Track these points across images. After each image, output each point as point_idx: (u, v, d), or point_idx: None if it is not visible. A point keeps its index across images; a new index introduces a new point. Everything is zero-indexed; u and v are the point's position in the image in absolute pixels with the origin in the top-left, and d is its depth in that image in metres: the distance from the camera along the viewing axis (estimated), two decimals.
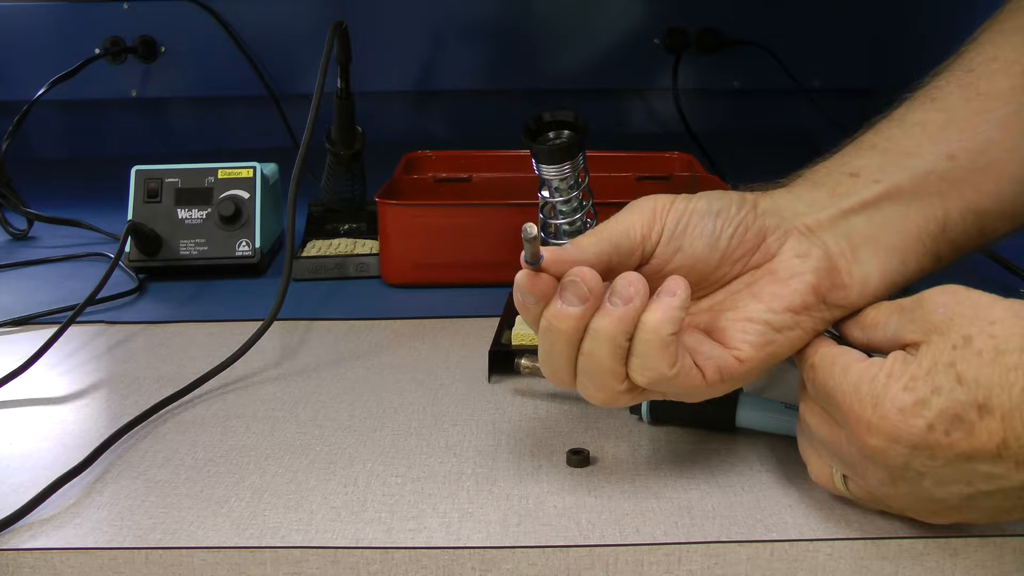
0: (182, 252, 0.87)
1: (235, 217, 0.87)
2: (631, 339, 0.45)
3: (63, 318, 0.70)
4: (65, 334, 0.68)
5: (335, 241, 0.92)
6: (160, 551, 0.45)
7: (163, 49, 1.38)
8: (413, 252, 0.83)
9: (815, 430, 0.47)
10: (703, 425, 0.56)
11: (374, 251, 0.88)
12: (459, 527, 0.47)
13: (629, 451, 0.54)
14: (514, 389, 0.63)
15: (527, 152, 0.58)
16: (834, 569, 0.45)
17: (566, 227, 0.60)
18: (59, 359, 0.69)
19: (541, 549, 0.45)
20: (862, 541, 0.46)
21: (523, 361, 0.61)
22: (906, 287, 0.50)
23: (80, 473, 0.51)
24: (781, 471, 0.52)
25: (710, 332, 0.48)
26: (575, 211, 0.59)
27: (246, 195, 0.88)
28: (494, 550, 0.45)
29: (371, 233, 0.93)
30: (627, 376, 0.46)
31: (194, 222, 0.87)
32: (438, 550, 0.45)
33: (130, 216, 0.86)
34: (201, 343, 0.72)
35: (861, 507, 0.47)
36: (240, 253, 0.87)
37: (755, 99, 1.44)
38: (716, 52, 1.40)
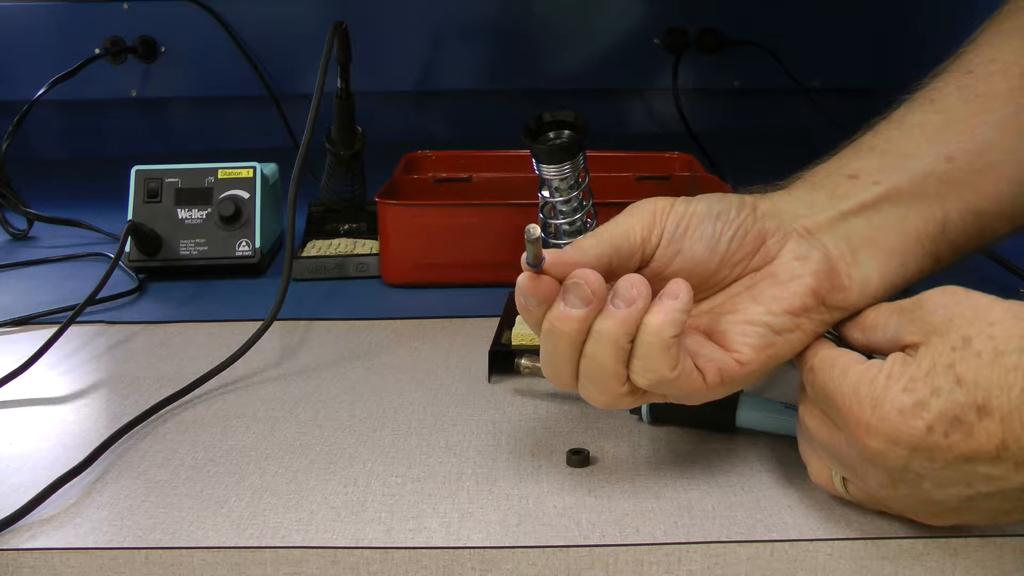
0: (182, 252, 0.87)
1: (235, 217, 0.87)
2: (633, 341, 0.45)
3: (63, 318, 0.70)
4: (65, 334, 0.68)
5: (335, 241, 0.92)
6: (160, 551, 0.46)
7: (163, 49, 1.38)
8: (413, 252, 0.83)
9: (815, 432, 0.47)
10: (703, 425, 0.56)
11: (374, 251, 0.88)
12: (459, 527, 0.47)
13: (629, 451, 0.54)
14: (514, 389, 0.63)
15: (527, 152, 0.58)
16: (834, 569, 0.45)
17: (566, 227, 0.60)
18: (59, 359, 0.69)
19: (541, 549, 0.45)
20: (862, 541, 0.46)
21: (523, 361, 0.61)
22: (906, 288, 0.50)
23: (80, 473, 0.51)
24: (781, 471, 0.52)
25: (710, 335, 0.48)
26: (575, 211, 0.59)
27: (246, 195, 0.88)
28: (494, 550, 0.45)
29: (371, 233, 0.93)
30: (628, 378, 0.46)
31: (194, 222, 0.87)
32: (438, 550, 0.45)
33: (130, 216, 0.86)
34: (201, 343, 0.72)
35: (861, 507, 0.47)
36: (240, 253, 0.87)
37: (755, 99, 1.44)
38: (716, 52, 1.40)
